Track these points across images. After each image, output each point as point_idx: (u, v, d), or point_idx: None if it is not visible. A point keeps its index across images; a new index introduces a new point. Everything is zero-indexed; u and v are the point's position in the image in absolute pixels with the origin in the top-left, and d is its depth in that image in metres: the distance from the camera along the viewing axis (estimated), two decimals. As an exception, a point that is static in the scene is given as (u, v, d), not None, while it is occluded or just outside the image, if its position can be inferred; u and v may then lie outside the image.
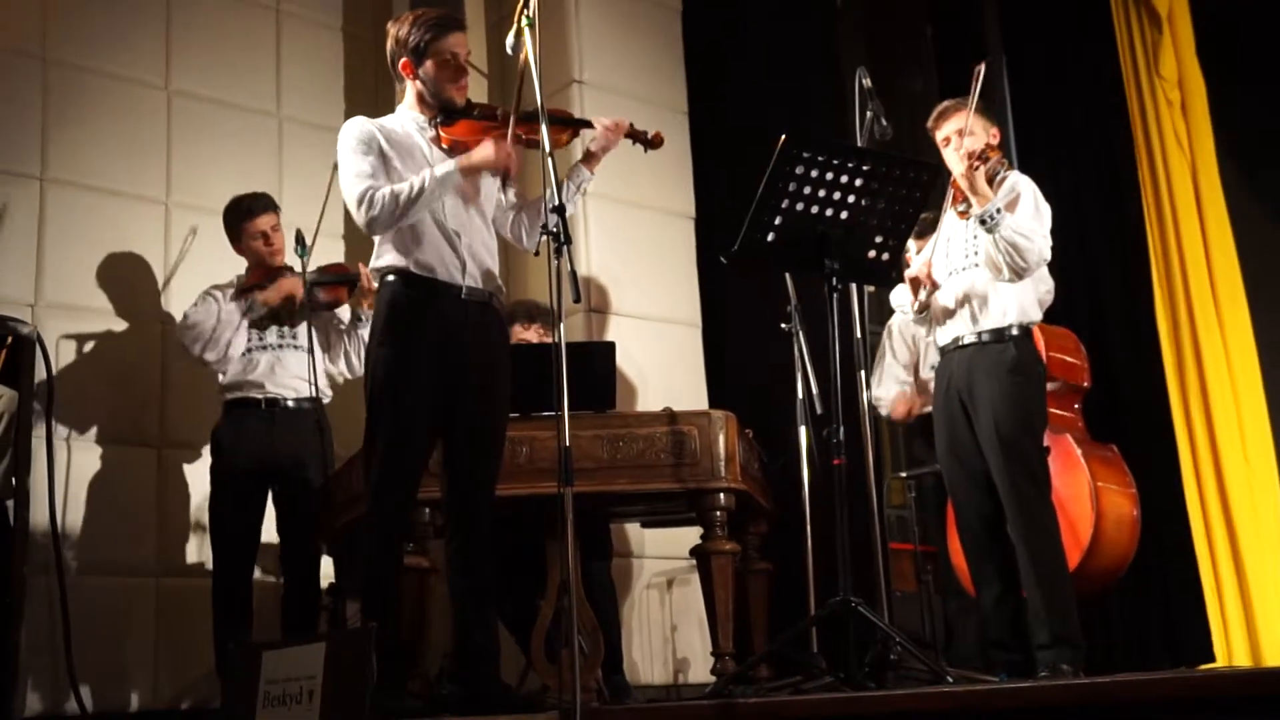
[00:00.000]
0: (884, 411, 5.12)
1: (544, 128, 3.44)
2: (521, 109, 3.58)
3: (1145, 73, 5.72)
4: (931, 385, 4.96)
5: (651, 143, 3.78)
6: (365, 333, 4.81)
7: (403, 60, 3.65)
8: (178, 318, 4.94)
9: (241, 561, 4.68)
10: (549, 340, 4.84)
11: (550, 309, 3.32)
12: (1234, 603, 5.20)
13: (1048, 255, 4.00)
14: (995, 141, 4.21)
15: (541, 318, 4.95)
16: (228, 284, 4.90)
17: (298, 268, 4.72)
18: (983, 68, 4.17)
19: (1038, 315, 4.14)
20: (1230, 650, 5.15)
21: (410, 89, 3.71)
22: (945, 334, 4.19)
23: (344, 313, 4.96)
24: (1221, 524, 5.29)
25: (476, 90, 3.79)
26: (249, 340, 4.77)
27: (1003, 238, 3.95)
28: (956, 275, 4.15)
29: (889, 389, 5.08)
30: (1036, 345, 4.16)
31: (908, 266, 4.38)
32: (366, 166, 3.55)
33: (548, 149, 3.42)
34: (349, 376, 4.99)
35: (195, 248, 5.40)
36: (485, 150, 3.53)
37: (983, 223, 3.96)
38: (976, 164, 3.99)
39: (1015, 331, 4.04)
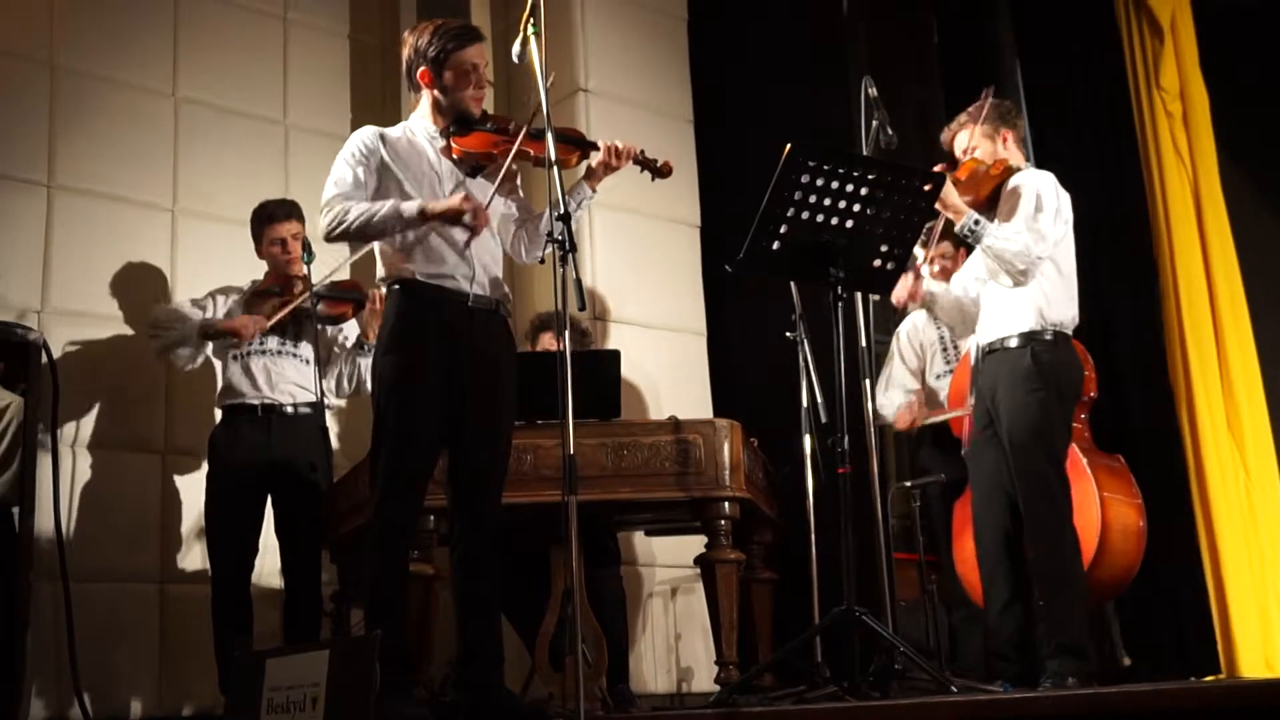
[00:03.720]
0: (887, 419, 5.12)
1: (549, 139, 3.44)
2: (533, 126, 3.58)
3: (1147, 84, 5.72)
4: (941, 395, 4.99)
5: (660, 171, 3.77)
6: (365, 362, 4.83)
7: (421, 69, 3.66)
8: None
9: (239, 568, 4.68)
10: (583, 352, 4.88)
11: (563, 320, 3.32)
12: (1240, 613, 5.19)
13: (1036, 252, 3.94)
14: (1005, 144, 4.21)
15: (574, 332, 4.99)
16: (238, 287, 4.93)
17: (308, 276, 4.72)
18: (991, 91, 4.21)
19: (1062, 317, 4.04)
20: (1238, 662, 5.14)
21: (426, 98, 3.72)
22: (980, 338, 4.20)
23: (350, 331, 4.96)
24: (1227, 535, 5.29)
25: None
26: (249, 345, 4.78)
27: (987, 247, 3.97)
28: (987, 282, 4.15)
29: (894, 398, 5.09)
30: (1070, 353, 4.06)
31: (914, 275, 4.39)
32: (349, 177, 3.58)
33: (553, 158, 3.43)
34: (334, 396, 4.98)
35: (202, 253, 5.40)
36: (453, 202, 3.51)
37: (965, 238, 3.99)
38: (954, 177, 4.02)
39: (1049, 337, 3.99)
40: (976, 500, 4.14)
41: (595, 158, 3.73)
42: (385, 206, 3.51)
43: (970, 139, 4.21)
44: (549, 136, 3.44)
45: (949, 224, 4.13)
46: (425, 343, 3.53)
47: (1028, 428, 3.94)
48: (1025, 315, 4.02)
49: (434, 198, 3.62)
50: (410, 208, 3.50)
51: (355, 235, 3.60)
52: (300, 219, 4.88)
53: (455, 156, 3.66)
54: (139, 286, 5.31)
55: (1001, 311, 4.08)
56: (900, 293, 4.39)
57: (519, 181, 3.89)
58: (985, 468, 4.09)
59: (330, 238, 3.61)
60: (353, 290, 4.84)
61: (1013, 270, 3.95)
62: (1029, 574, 3.99)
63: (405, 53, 3.71)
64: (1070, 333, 4.08)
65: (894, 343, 5.25)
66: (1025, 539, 3.94)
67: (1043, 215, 4.00)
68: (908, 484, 5.03)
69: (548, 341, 4.97)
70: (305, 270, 4.68)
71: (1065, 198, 4.10)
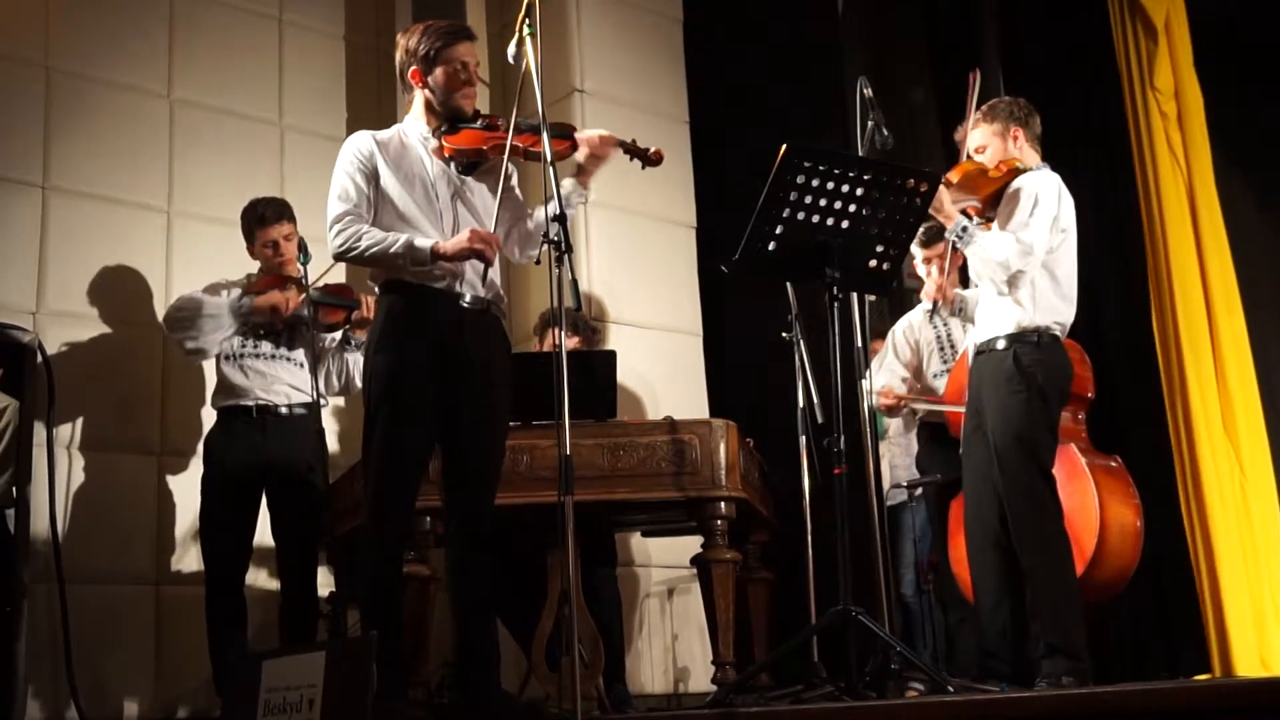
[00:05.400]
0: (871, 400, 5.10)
1: (545, 138, 3.44)
2: (523, 121, 3.58)
3: (1140, 84, 5.72)
4: (939, 393, 4.99)
5: (650, 159, 3.73)
6: (351, 358, 4.84)
7: (412, 69, 3.67)
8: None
9: (234, 569, 4.67)
10: (584, 349, 4.89)
11: (560, 320, 3.33)
12: (1234, 612, 5.20)
13: (1018, 265, 3.91)
14: (1015, 143, 4.20)
15: (584, 330, 5.00)
16: (237, 282, 4.92)
17: (301, 275, 4.71)
18: (977, 75, 4.20)
19: (1050, 320, 4.02)
20: (1233, 661, 5.14)
21: (419, 98, 3.72)
22: (975, 338, 4.21)
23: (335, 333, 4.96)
24: (1222, 534, 5.30)
25: (479, 99, 3.79)
26: (243, 347, 4.77)
27: (973, 255, 3.97)
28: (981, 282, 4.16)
29: (879, 380, 5.06)
30: (1057, 355, 4.03)
31: (911, 275, 4.40)
32: (351, 188, 3.58)
33: (549, 159, 3.43)
34: (325, 394, 4.97)
35: (197, 254, 5.40)
36: (461, 241, 3.51)
37: (954, 243, 4.01)
38: (946, 180, 4.03)
39: (1035, 339, 3.97)
40: (967, 499, 4.15)
41: (581, 154, 3.71)
42: (399, 242, 3.51)
43: (982, 138, 4.21)
44: (545, 136, 3.44)
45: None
46: (416, 342, 3.53)
47: (1011, 429, 3.94)
48: (1012, 318, 4.03)
49: (427, 200, 3.63)
50: (423, 248, 3.50)
51: (365, 263, 3.64)
52: (291, 219, 4.87)
53: (446, 155, 3.66)
54: (134, 288, 5.30)
55: (992, 313, 4.09)
56: (930, 289, 4.42)
57: (515, 181, 3.88)
58: (975, 467, 4.09)
59: (339, 258, 3.64)
60: (347, 298, 4.83)
61: (996, 279, 3.96)
62: (1020, 572, 3.99)
63: (398, 55, 3.72)
64: (1059, 335, 4.07)
65: (889, 338, 5.25)
66: (1014, 541, 3.94)
67: (1034, 225, 3.95)
68: (904, 484, 5.03)
69: (557, 336, 4.98)
70: (300, 271, 4.67)
71: (1067, 203, 4.08)
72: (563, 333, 3.31)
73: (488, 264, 3.53)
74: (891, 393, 4.96)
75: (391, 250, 3.51)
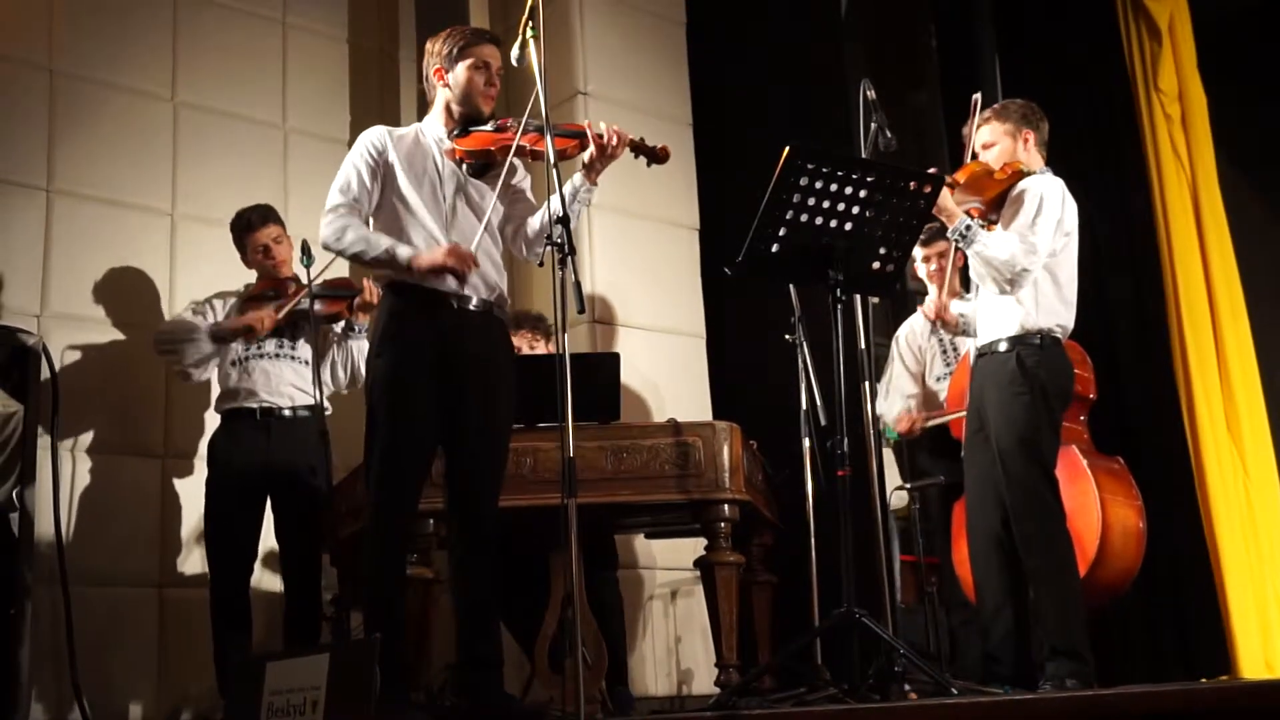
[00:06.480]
0: (888, 425, 5.12)
1: (549, 140, 3.46)
2: (530, 121, 3.61)
3: (1145, 86, 5.72)
4: (941, 397, 4.99)
5: (657, 156, 3.75)
6: (355, 345, 4.83)
7: (436, 67, 3.73)
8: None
9: (238, 572, 4.67)
10: (540, 349, 4.89)
11: (552, 319, 3.34)
12: (1239, 614, 5.19)
13: (1023, 264, 3.91)
14: (1025, 145, 4.20)
15: (528, 324, 4.98)
16: (234, 292, 4.92)
17: (304, 278, 4.71)
18: (979, 98, 4.22)
19: (1051, 323, 4.02)
20: (1238, 663, 5.14)
21: (440, 98, 3.76)
22: (976, 341, 4.22)
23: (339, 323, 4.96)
24: (1226, 536, 5.29)
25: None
26: (247, 349, 4.77)
27: (975, 254, 3.97)
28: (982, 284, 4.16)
29: (894, 405, 5.09)
30: (1059, 356, 4.04)
31: (911, 277, 4.39)
32: (354, 180, 3.63)
33: (553, 160, 3.44)
34: (333, 388, 4.97)
35: (200, 257, 5.41)
36: (436, 257, 3.52)
37: (957, 243, 4.01)
38: (953, 181, 4.02)
39: (1036, 341, 3.97)
40: (970, 502, 4.14)
41: (588, 153, 3.72)
42: (380, 248, 3.57)
43: (991, 135, 4.21)
44: (548, 136, 3.46)
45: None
46: (418, 343, 3.55)
47: (1013, 432, 3.94)
48: (1014, 320, 4.03)
49: (434, 199, 3.67)
50: (403, 257, 3.55)
51: (346, 258, 3.76)
52: (278, 221, 4.91)
53: (457, 158, 3.70)
54: (138, 291, 5.31)
55: (994, 316, 4.09)
56: (929, 310, 4.44)
57: (528, 185, 3.90)
58: (978, 470, 4.09)
59: (326, 248, 3.72)
60: (345, 288, 4.84)
61: (999, 279, 3.95)
62: (1024, 575, 3.98)
63: (425, 58, 3.78)
64: (1060, 338, 4.07)
65: (894, 346, 5.25)
66: (1017, 543, 3.94)
67: (1040, 226, 3.96)
68: (906, 486, 5.03)
69: (517, 341, 4.98)
70: (304, 271, 4.67)
71: (1071, 207, 4.09)
72: (565, 335, 3.31)
73: (461, 280, 3.56)
74: (906, 419, 4.98)
75: (369, 255, 3.59)
